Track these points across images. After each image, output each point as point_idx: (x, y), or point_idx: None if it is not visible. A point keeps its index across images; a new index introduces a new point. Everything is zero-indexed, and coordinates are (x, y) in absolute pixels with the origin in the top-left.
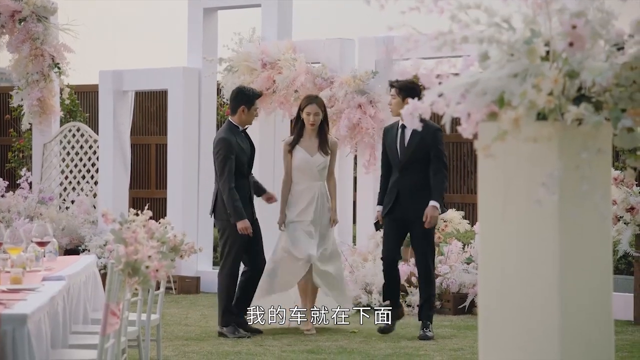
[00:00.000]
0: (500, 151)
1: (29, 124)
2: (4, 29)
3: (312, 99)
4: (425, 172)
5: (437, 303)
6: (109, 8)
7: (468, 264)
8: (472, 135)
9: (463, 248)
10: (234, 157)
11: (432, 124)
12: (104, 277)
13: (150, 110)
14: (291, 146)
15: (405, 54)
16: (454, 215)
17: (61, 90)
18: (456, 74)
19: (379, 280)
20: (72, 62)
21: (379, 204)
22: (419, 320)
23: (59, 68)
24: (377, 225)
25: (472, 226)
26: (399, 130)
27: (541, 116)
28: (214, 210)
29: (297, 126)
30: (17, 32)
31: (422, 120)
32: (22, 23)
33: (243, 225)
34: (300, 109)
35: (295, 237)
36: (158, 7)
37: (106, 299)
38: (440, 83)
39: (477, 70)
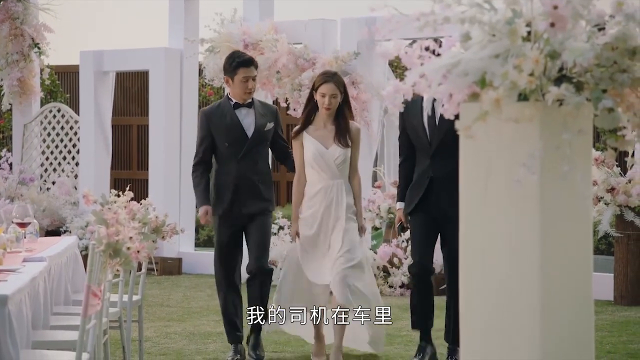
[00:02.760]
0: (481, 132)
1: (9, 104)
2: None
3: (328, 77)
4: None
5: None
6: None
7: None
8: (453, 115)
9: None
10: (210, 136)
11: None
12: (85, 258)
13: (132, 91)
14: (297, 134)
15: (387, 35)
16: None
17: (41, 70)
18: (438, 55)
19: None
20: (52, 42)
21: (399, 200)
22: (446, 342)
23: (39, 48)
24: (402, 228)
25: None
26: (427, 104)
27: (522, 97)
28: None
29: (307, 109)
30: None
31: None
32: (1, 2)
33: (200, 211)
34: (314, 89)
35: (308, 258)
36: None
37: (87, 280)
38: (422, 64)
39: (458, 51)
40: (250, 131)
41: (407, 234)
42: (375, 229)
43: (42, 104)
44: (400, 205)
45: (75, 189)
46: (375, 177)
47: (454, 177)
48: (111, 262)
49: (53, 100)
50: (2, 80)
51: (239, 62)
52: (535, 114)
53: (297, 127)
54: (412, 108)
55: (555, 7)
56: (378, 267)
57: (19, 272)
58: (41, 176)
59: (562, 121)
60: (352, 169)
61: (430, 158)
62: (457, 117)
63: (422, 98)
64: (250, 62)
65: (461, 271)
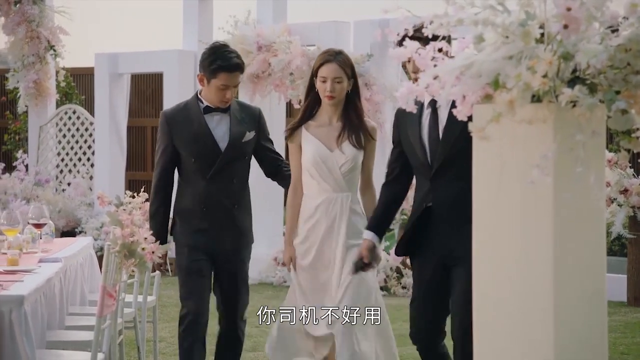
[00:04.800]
0: (494, 133)
1: (25, 106)
2: (0, 12)
3: (330, 55)
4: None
5: None
6: None
7: None
8: (467, 117)
9: None
10: (171, 146)
11: None
12: (100, 259)
13: (146, 92)
14: (291, 131)
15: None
16: None
17: (57, 72)
18: (451, 57)
19: None
20: (67, 44)
21: (368, 228)
22: None
23: (54, 50)
24: (358, 265)
25: None
26: (426, 112)
27: (536, 98)
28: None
29: (307, 101)
30: (13, 15)
31: None
32: (17, 5)
33: (162, 252)
34: (313, 74)
35: (306, 300)
36: None
37: (103, 280)
38: (435, 65)
39: (472, 52)
40: (223, 143)
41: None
42: (387, 230)
43: (57, 106)
44: (367, 235)
45: (91, 190)
46: None
47: (461, 206)
48: (126, 263)
49: (68, 102)
50: (18, 82)
51: (220, 66)
52: (548, 116)
53: (291, 124)
54: (408, 118)
55: (569, 9)
56: (391, 268)
57: (35, 272)
58: (57, 177)
59: (575, 123)
60: (364, 179)
61: (430, 181)
62: (466, 126)
63: (424, 103)
64: (235, 68)
65: (474, 271)
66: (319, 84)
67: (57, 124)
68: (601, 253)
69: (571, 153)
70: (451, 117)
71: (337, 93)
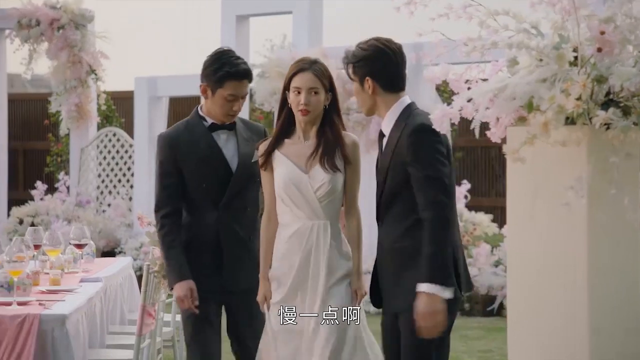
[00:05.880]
0: (529, 155)
1: (67, 129)
2: (44, 37)
3: (305, 64)
4: (416, 219)
5: (466, 305)
6: (144, 16)
7: (496, 266)
8: (500, 139)
9: (491, 251)
10: (177, 172)
11: (411, 121)
12: (139, 278)
13: (184, 115)
14: (266, 158)
15: (435, 60)
16: (482, 218)
17: (98, 96)
18: (485, 79)
19: None
20: (108, 68)
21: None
22: None
23: (95, 74)
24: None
25: (500, 229)
26: (378, 144)
27: (570, 120)
28: None
29: (280, 119)
30: (56, 40)
31: (404, 117)
32: (60, 31)
33: (180, 291)
34: (285, 86)
35: (285, 344)
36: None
37: (142, 300)
38: (469, 88)
39: (505, 75)
40: (234, 165)
41: None
42: None
43: (98, 129)
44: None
45: (130, 211)
46: None
47: (405, 253)
48: (165, 283)
49: (109, 125)
50: (60, 105)
51: (228, 73)
52: (582, 138)
53: (264, 149)
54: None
55: (603, 32)
56: None
57: (77, 292)
58: (97, 198)
59: (609, 145)
60: (347, 203)
61: (378, 219)
62: (395, 156)
63: (382, 134)
64: (244, 75)
65: (509, 292)
66: (292, 97)
67: (97, 146)
68: (635, 274)
69: (605, 175)
70: (388, 145)
71: (312, 107)
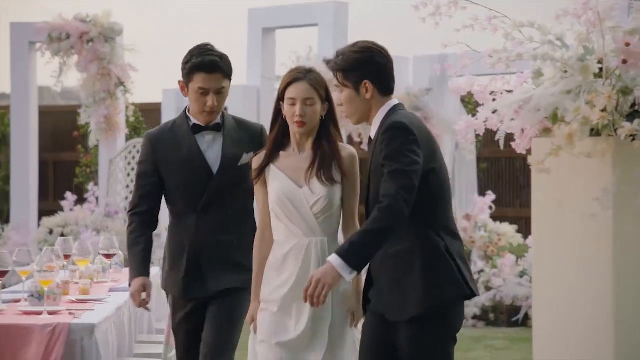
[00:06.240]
0: (554, 166)
1: (96, 140)
2: (74, 50)
3: (299, 73)
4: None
5: (491, 315)
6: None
7: (521, 277)
8: (525, 150)
9: (516, 262)
10: (155, 173)
11: (389, 121)
12: None
13: None
14: (259, 172)
15: (460, 71)
16: (507, 229)
17: (126, 108)
18: (510, 91)
19: None
20: (136, 81)
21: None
22: None
23: (124, 87)
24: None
25: (525, 240)
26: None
27: (595, 132)
28: None
29: (275, 130)
30: (86, 53)
31: (387, 118)
32: (90, 44)
33: (132, 288)
34: (279, 97)
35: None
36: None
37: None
38: (494, 100)
39: (530, 87)
40: (216, 168)
41: (478, 265)
42: None
43: (126, 140)
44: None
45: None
46: None
47: (394, 256)
48: None
49: (137, 137)
50: (89, 117)
51: (194, 65)
52: (607, 149)
53: (258, 158)
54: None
55: (628, 44)
56: None
57: (105, 301)
58: (125, 209)
59: (634, 156)
60: (346, 218)
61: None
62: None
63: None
64: (213, 67)
65: (534, 303)
66: (286, 108)
67: (126, 158)
68: None
69: (630, 186)
70: (369, 150)
71: (308, 118)
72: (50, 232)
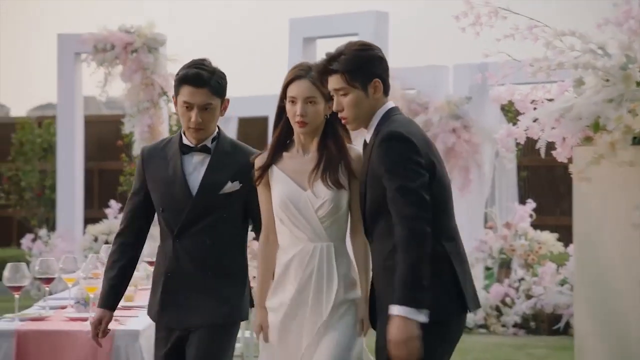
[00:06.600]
0: (595, 175)
1: (140, 149)
2: (118, 60)
3: (301, 71)
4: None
5: (532, 323)
6: (214, 39)
7: (562, 285)
8: (566, 159)
9: (557, 270)
10: (143, 190)
11: (384, 129)
12: None
13: (252, 136)
14: (262, 172)
15: (501, 80)
16: (547, 237)
17: (169, 117)
18: (551, 100)
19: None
20: None
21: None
22: None
23: (167, 96)
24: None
25: (566, 248)
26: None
27: (637, 140)
28: None
29: (278, 130)
30: (130, 63)
31: (383, 123)
32: (134, 54)
33: (93, 317)
34: (282, 95)
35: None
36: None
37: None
38: (535, 108)
39: (571, 95)
40: (195, 192)
41: (519, 274)
42: (487, 269)
43: None
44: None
45: None
46: (486, 219)
47: (389, 271)
48: None
49: None
50: (133, 127)
51: (180, 77)
52: None
53: (260, 159)
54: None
55: None
56: (490, 307)
57: None
58: None
59: None
60: (353, 222)
61: (369, 241)
62: (371, 169)
63: (365, 144)
64: (196, 79)
65: (576, 312)
66: (288, 107)
67: None
68: None
69: None
70: (365, 159)
71: (309, 118)
72: (95, 239)
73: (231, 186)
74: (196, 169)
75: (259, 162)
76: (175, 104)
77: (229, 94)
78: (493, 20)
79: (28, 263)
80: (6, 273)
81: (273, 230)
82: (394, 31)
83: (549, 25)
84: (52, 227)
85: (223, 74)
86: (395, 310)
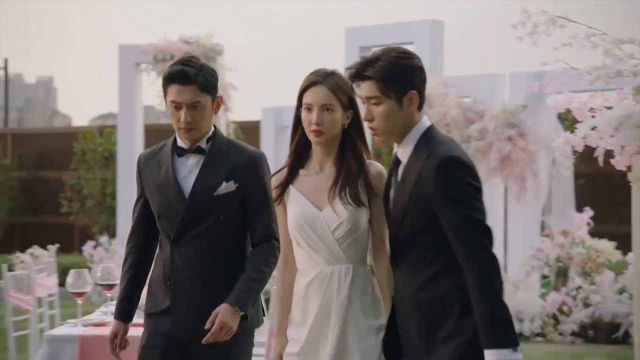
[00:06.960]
0: None
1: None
2: None
3: (318, 76)
4: (443, 265)
5: (590, 332)
6: (270, 49)
7: (621, 294)
8: (625, 167)
9: (615, 278)
10: (141, 197)
11: (437, 151)
12: (266, 302)
13: None
14: (282, 190)
15: (558, 88)
16: (605, 245)
17: (227, 126)
18: (609, 108)
19: (530, 308)
20: (236, 99)
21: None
22: None
23: (225, 105)
24: None
25: (625, 256)
26: (393, 173)
27: None
28: None
29: (295, 140)
30: None
31: (426, 143)
32: None
33: (110, 330)
34: (298, 104)
35: None
36: (316, 46)
37: (271, 322)
38: (593, 116)
39: (631, 103)
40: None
41: (576, 282)
42: (543, 277)
43: None
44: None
45: None
46: (543, 227)
47: (434, 306)
48: None
49: None
50: None
51: (167, 75)
52: None
53: (278, 176)
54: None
55: None
56: (547, 315)
57: None
58: None
59: None
60: (375, 243)
61: (393, 262)
62: (417, 191)
63: (398, 162)
64: (181, 76)
65: (636, 321)
66: (303, 115)
67: None
68: None
69: None
70: (405, 178)
71: (326, 127)
72: None
73: (226, 187)
74: (191, 171)
75: (276, 180)
76: (167, 104)
77: (286, 103)
78: (550, 29)
79: (90, 270)
80: (69, 279)
81: (291, 253)
82: (450, 39)
83: (607, 34)
84: (112, 234)
85: (212, 69)
86: (492, 355)
